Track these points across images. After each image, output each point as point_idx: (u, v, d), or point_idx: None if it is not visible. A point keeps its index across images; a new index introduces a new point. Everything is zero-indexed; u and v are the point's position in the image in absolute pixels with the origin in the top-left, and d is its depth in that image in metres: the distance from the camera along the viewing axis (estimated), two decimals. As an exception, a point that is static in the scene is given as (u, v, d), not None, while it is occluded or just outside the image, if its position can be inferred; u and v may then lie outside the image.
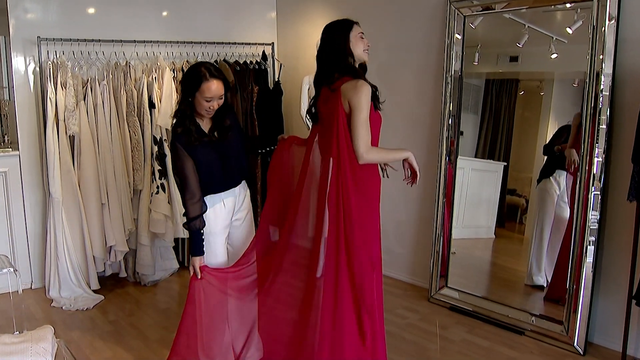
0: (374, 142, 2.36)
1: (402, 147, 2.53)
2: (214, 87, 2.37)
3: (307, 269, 2.53)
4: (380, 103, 2.40)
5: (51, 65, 3.67)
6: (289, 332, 2.54)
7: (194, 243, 2.47)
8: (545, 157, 3.26)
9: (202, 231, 2.47)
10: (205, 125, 2.51)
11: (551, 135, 3.24)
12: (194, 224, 2.44)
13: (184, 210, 3.92)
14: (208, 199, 2.50)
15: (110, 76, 3.88)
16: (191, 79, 2.40)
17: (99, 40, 3.90)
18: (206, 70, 2.39)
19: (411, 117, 3.87)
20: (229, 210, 2.58)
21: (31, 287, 3.97)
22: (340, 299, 2.36)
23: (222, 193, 2.54)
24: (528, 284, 3.34)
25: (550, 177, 3.22)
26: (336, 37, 2.36)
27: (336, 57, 2.36)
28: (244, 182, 2.69)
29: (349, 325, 2.39)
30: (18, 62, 3.80)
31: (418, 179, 2.47)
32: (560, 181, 3.17)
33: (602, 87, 2.81)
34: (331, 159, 2.34)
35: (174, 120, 2.49)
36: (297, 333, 2.50)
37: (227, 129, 2.54)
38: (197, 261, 2.47)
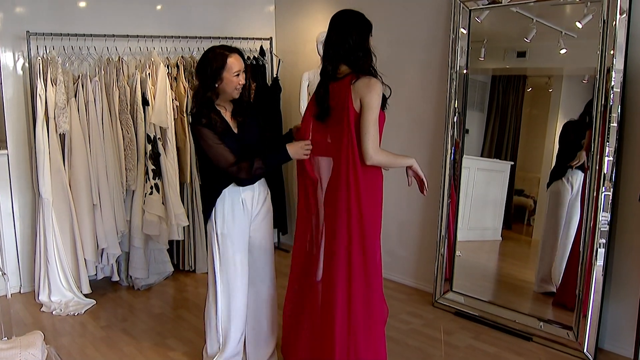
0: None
1: (407, 154, 2.54)
2: (238, 60, 2.46)
3: (309, 272, 2.55)
4: (386, 102, 2.40)
5: (41, 61, 3.67)
6: (304, 339, 2.59)
7: (276, 161, 2.52)
8: (555, 158, 3.24)
9: (265, 165, 2.47)
10: (226, 114, 2.54)
11: (559, 134, 3.24)
12: (259, 171, 2.46)
13: (179, 212, 3.96)
14: (227, 194, 2.52)
15: (102, 72, 3.88)
16: (213, 62, 2.43)
17: (91, 35, 3.90)
18: (222, 49, 2.47)
19: (415, 115, 3.87)
20: (247, 210, 2.59)
21: (20, 291, 3.97)
22: (354, 304, 2.38)
23: (241, 189, 2.55)
24: (538, 291, 3.34)
25: (562, 179, 3.21)
26: (364, 33, 2.35)
27: (363, 54, 2.33)
28: (264, 181, 2.69)
29: (362, 327, 2.41)
30: (6, 57, 3.80)
31: (427, 185, 2.49)
32: (574, 182, 3.16)
33: (612, 83, 2.81)
34: (340, 158, 2.34)
35: (194, 111, 2.50)
36: (310, 338, 2.54)
37: (249, 105, 2.59)
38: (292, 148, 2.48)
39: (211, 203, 2.54)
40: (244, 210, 2.57)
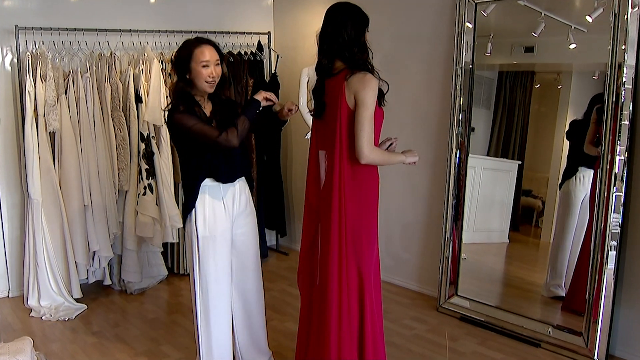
0: (375, 141, 2.36)
1: (401, 151, 2.57)
2: (207, 51, 2.47)
3: (313, 276, 2.54)
4: (384, 98, 2.40)
5: (30, 56, 3.67)
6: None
7: (252, 110, 2.55)
8: (567, 155, 3.25)
9: (247, 117, 2.51)
10: (206, 108, 2.56)
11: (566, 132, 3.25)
12: (246, 126, 2.48)
13: (173, 213, 3.96)
14: (208, 194, 2.52)
15: (94, 68, 3.88)
16: (182, 53, 2.47)
17: (82, 30, 3.90)
18: (194, 40, 2.50)
19: (418, 113, 3.87)
20: (229, 210, 2.59)
21: (8, 296, 3.98)
22: (345, 309, 2.38)
23: (222, 188, 2.55)
24: (547, 296, 3.34)
25: (574, 177, 3.21)
26: (360, 27, 2.35)
27: (359, 49, 2.33)
28: (244, 182, 2.69)
29: (354, 334, 2.41)
30: (-6, 52, 3.81)
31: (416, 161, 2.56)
32: (586, 181, 3.15)
33: (624, 79, 2.81)
34: (334, 156, 2.35)
35: (169, 103, 2.52)
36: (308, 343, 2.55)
37: (227, 101, 2.64)
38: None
39: (191, 203, 2.52)
40: (225, 211, 2.57)
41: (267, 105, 2.63)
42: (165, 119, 2.60)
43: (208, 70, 2.46)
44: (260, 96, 2.58)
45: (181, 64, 2.47)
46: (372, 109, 2.28)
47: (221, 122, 2.55)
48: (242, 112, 2.54)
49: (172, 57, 2.58)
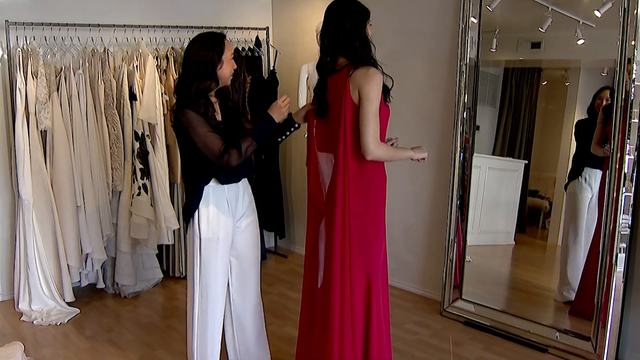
0: (381, 138, 2.37)
1: (410, 147, 2.56)
2: (229, 42, 2.53)
3: (314, 279, 2.55)
4: (389, 94, 2.41)
5: (21, 52, 3.67)
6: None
7: (264, 132, 2.51)
8: (573, 154, 3.25)
9: (255, 141, 2.47)
10: (216, 111, 2.57)
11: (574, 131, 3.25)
12: (251, 150, 2.45)
13: (168, 214, 3.95)
14: (212, 195, 2.52)
15: (87, 64, 3.87)
16: (213, 48, 2.44)
17: (74, 25, 3.90)
18: (212, 33, 2.53)
19: (422, 110, 3.87)
20: (232, 211, 2.59)
21: (-2, 300, 3.98)
22: (348, 312, 2.38)
23: (226, 188, 2.55)
24: (561, 300, 3.33)
25: (580, 178, 3.21)
26: (360, 21, 2.36)
27: (360, 43, 2.34)
28: (247, 184, 2.69)
29: (358, 338, 2.41)
30: (-16, 48, 3.80)
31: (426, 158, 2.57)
32: (592, 182, 3.16)
33: (634, 76, 2.81)
34: (338, 154, 2.35)
35: (183, 98, 2.48)
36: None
37: (234, 104, 2.68)
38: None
39: (194, 204, 2.51)
40: (229, 211, 2.57)
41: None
42: (172, 115, 2.58)
43: (233, 61, 2.53)
44: (279, 111, 2.51)
45: (213, 60, 2.43)
46: (376, 103, 2.29)
47: (228, 130, 2.53)
48: (253, 132, 2.49)
49: (190, 53, 2.47)
